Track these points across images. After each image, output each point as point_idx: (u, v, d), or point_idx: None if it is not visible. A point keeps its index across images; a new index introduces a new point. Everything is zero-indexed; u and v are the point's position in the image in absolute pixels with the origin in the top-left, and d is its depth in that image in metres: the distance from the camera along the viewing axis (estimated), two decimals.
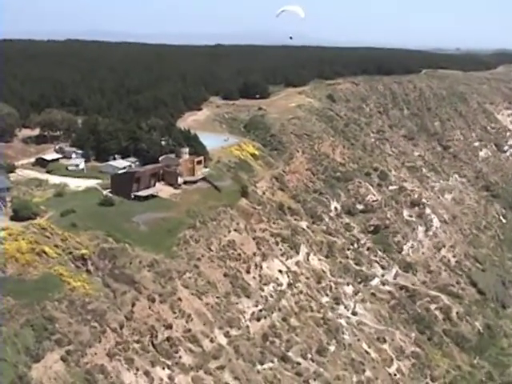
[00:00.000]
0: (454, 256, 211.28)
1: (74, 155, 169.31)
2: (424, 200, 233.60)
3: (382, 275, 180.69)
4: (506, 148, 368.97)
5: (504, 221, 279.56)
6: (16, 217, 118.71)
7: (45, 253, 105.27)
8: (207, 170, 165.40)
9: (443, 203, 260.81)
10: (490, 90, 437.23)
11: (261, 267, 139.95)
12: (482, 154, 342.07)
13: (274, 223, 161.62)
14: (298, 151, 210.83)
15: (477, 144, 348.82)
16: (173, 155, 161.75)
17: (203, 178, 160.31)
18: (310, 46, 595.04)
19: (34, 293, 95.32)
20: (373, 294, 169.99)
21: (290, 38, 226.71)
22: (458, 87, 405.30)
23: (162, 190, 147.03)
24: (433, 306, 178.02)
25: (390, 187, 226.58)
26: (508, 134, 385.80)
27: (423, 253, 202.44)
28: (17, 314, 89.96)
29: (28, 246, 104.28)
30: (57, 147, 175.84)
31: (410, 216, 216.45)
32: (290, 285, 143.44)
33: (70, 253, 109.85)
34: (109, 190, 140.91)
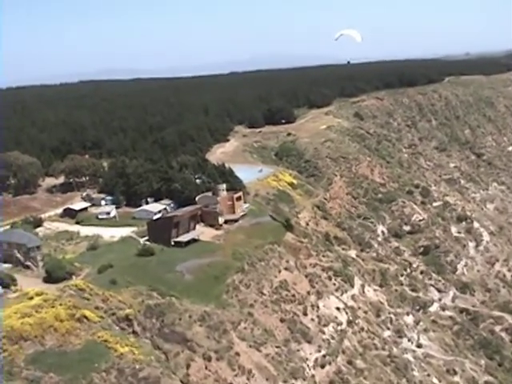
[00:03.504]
0: (509, 270, 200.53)
1: (103, 202, 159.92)
2: (468, 213, 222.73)
3: (440, 299, 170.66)
4: None
5: None
6: (50, 278, 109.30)
7: (86, 318, 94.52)
8: (247, 205, 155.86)
9: (487, 214, 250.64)
10: None
11: (317, 307, 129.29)
12: None
13: (323, 256, 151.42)
14: (335, 175, 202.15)
15: (510, 148, 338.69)
16: (210, 193, 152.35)
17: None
18: (325, 64, 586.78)
19: (79, 365, 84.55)
20: (434, 322, 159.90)
21: (348, 62, 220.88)
22: (483, 92, 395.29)
23: (203, 232, 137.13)
24: (497, 328, 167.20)
25: (434, 204, 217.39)
26: None
27: (478, 270, 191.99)
28: None
29: (67, 312, 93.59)
30: (84, 195, 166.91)
31: (459, 232, 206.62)
32: (349, 322, 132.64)
33: (113, 314, 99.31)
34: (146, 238, 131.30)
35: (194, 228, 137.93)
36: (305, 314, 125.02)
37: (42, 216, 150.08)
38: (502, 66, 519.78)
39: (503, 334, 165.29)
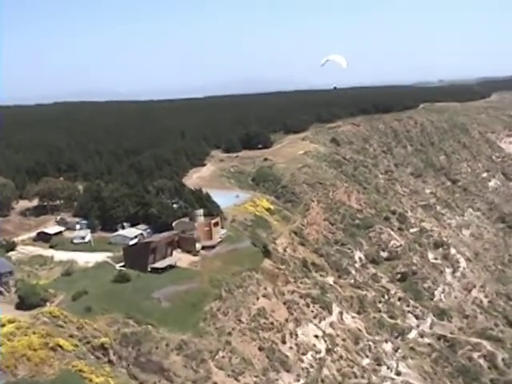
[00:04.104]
0: (485, 296, 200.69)
1: (78, 226, 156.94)
2: (445, 239, 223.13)
3: (418, 326, 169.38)
4: None
5: None
6: (23, 305, 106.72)
7: (60, 346, 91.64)
8: (224, 231, 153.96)
9: (463, 240, 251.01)
10: (489, 119, 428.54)
11: (296, 335, 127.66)
12: (491, 184, 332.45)
13: (301, 283, 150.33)
14: (312, 201, 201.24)
15: (485, 175, 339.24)
16: (187, 219, 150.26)
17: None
18: (300, 90, 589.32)
19: None
20: (412, 349, 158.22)
21: (335, 88, 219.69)
22: (457, 119, 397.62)
23: (180, 258, 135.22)
24: (476, 355, 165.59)
25: (411, 230, 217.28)
26: None
27: (455, 297, 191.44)
28: None
29: (40, 341, 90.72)
30: (58, 218, 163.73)
31: (436, 258, 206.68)
32: (328, 350, 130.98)
33: (88, 342, 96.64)
34: (122, 264, 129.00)
35: (171, 254, 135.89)
36: (283, 342, 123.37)
37: (15, 239, 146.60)
38: (474, 94, 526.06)
39: (481, 361, 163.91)
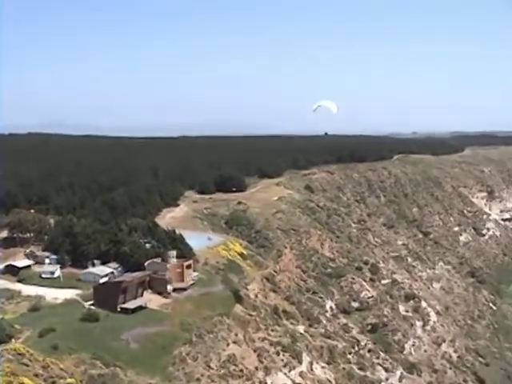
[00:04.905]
0: (455, 351, 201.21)
1: (47, 261, 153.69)
2: (416, 292, 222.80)
3: (387, 379, 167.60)
4: (484, 231, 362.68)
5: (494, 308, 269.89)
6: None
7: None
8: (196, 274, 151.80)
9: (434, 293, 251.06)
10: (463, 174, 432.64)
11: (265, 383, 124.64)
12: (462, 238, 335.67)
13: (271, 330, 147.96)
14: (285, 247, 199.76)
15: (456, 229, 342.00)
16: (159, 259, 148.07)
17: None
18: (275, 135, 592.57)
19: None
20: None
21: (326, 133, 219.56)
22: (431, 172, 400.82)
23: (150, 299, 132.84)
24: None
25: (383, 281, 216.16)
26: (485, 216, 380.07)
27: (425, 350, 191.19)
28: None
29: (4, 380, 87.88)
30: (27, 251, 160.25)
31: (407, 311, 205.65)
32: None
33: (54, 383, 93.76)
34: (91, 302, 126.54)
35: (142, 295, 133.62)
36: None
37: None
38: (448, 148, 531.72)
39: None
